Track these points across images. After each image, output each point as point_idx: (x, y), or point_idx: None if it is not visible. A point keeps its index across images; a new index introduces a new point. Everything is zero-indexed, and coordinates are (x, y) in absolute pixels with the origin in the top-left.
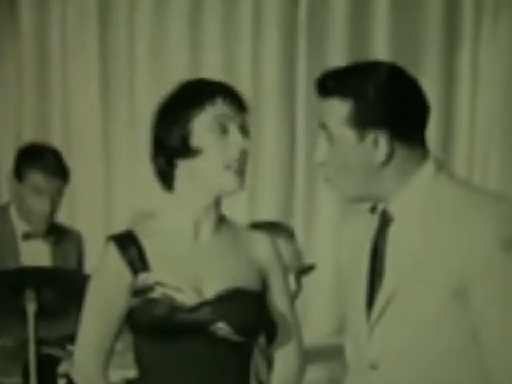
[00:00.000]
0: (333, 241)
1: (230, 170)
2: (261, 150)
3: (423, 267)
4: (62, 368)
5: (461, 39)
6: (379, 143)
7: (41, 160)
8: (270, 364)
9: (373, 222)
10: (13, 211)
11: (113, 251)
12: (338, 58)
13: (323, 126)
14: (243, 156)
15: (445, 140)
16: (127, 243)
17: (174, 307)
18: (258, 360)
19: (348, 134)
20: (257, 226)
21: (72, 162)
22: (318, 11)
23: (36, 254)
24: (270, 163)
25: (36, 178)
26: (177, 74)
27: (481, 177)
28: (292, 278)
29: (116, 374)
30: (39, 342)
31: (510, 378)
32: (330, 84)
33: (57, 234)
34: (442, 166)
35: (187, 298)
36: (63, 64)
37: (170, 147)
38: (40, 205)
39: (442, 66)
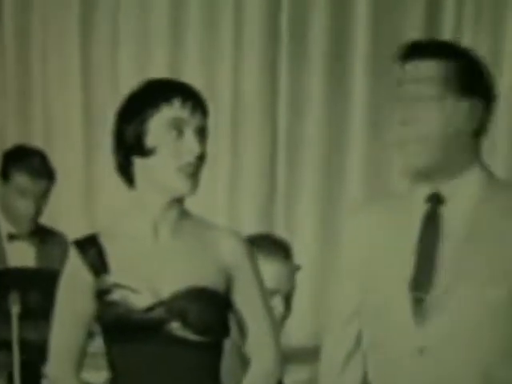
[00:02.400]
0: (313, 245)
1: (182, 174)
2: (241, 156)
3: (482, 254)
4: (46, 369)
5: None
6: (474, 111)
7: (27, 162)
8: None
9: (393, 212)
10: None
11: (74, 255)
12: (319, 65)
13: (420, 81)
14: (198, 161)
15: None
16: (89, 246)
17: (130, 308)
18: (234, 359)
19: (446, 92)
20: (253, 240)
21: (53, 160)
22: (300, 18)
23: (21, 255)
24: (250, 168)
25: (21, 179)
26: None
27: None
28: (280, 299)
29: (99, 376)
30: (24, 344)
31: None
32: (430, 47)
33: (42, 235)
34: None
35: (143, 299)
36: (44, 59)
37: (125, 144)
38: (24, 206)
39: None
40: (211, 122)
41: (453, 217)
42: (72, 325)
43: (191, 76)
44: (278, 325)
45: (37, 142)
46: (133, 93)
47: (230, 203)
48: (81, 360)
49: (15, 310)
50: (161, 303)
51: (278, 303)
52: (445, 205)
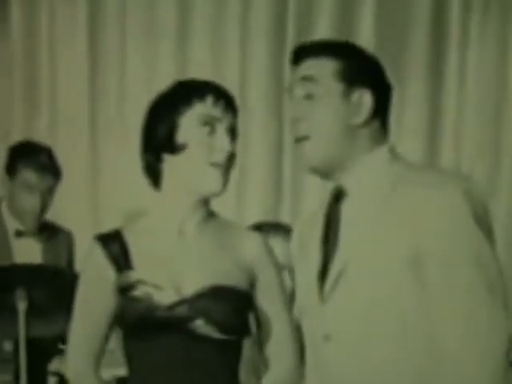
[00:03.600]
0: None
1: (213, 171)
2: (248, 154)
3: (378, 240)
4: (52, 366)
5: (448, 40)
6: (363, 102)
7: (34, 157)
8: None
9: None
10: (4, 208)
11: (97, 250)
12: None
13: (308, 79)
14: (229, 159)
15: (431, 142)
16: (112, 242)
17: (153, 305)
18: (255, 357)
19: (335, 87)
20: (258, 226)
21: (59, 154)
22: (306, 17)
23: (27, 251)
24: (256, 167)
25: (28, 175)
26: (168, 69)
27: None
28: (287, 274)
29: (106, 373)
30: (30, 340)
31: (459, 358)
32: (317, 47)
33: (48, 232)
34: (396, 152)
35: (165, 297)
36: (51, 59)
37: (156, 141)
38: (31, 202)
39: (429, 68)
40: None
41: (354, 205)
42: (92, 320)
43: (197, 72)
44: (297, 327)
45: (43, 135)
46: (164, 92)
47: (236, 201)
48: (100, 357)
49: (22, 306)
50: (184, 301)
51: (285, 278)
52: (346, 196)
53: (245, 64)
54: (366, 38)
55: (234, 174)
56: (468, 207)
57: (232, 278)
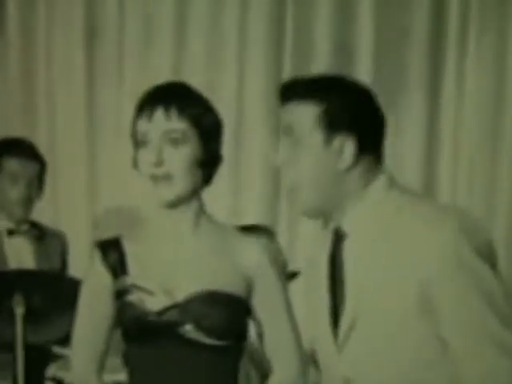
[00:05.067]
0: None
1: (154, 183)
2: (245, 154)
3: (383, 282)
4: (50, 371)
5: (446, 55)
6: (345, 148)
7: (16, 147)
8: (261, 369)
9: (326, 239)
10: None
11: (96, 257)
12: (324, 63)
13: (288, 130)
14: (169, 168)
15: (429, 163)
16: (110, 248)
17: (146, 310)
18: (247, 365)
19: (316, 136)
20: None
21: (57, 157)
22: (305, 17)
23: (19, 251)
24: (254, 166)
25: (12, 163)
26: (165, 71)
27: (465, 201)
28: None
29: (105, 378)
30: (28, 345)
31: None
32: (299, 88)
33: (39, 231)
34: (394, 181)
35: (157, 302)
36: (48, 55)
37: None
38: (16, 191)
39: (427, 84)
40: None
41: (354, 248)
42: (94, 326)
43: (195, 75)
44: (300, 334)
45: (40, 138)
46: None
47: (233, 201)
48: (103, 361)
49: (19, 311)
50: (175, 306)
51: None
52: (346, 237)
53: (242, 67)
54: (363, 44)
55: (231, 175)
56: (467, 241)
57: (227, 283)
